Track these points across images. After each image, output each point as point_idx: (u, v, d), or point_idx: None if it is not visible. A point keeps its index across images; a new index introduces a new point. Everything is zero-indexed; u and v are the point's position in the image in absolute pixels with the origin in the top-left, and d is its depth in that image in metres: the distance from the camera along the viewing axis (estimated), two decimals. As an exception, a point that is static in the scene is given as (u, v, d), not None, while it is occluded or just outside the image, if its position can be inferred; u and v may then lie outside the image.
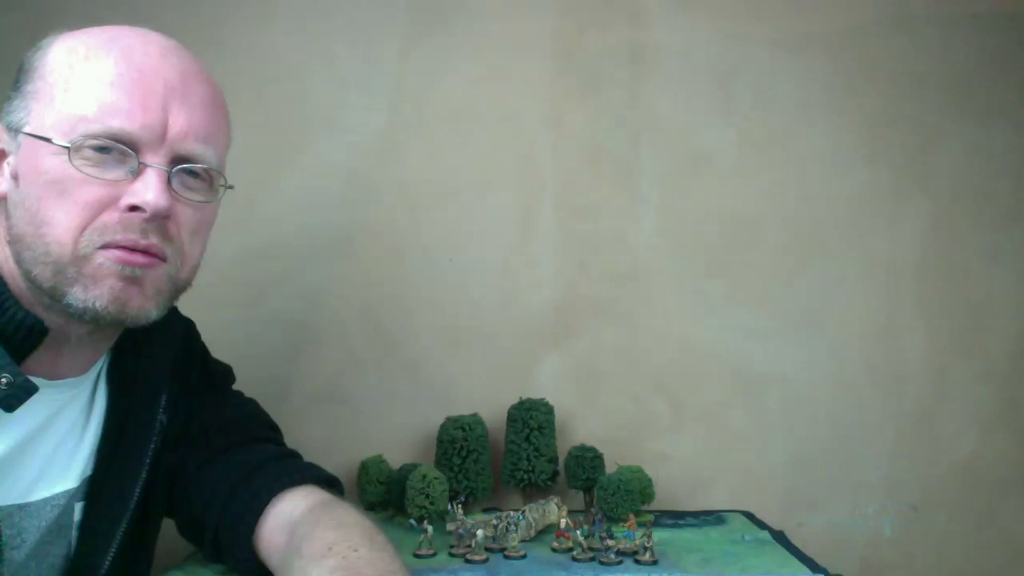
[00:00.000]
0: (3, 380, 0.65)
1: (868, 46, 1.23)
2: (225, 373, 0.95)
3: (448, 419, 1.13)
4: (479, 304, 1.23)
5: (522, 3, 1.24)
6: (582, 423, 1.21)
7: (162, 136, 0.68)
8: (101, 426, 0.78)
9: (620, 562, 0.88)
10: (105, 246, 0.66)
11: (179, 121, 0.69)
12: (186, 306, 0.89)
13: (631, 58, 1.24)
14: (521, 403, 1.14)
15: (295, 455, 0.90)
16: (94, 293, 0.66)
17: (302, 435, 1.04)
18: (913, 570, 1.21)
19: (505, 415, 1.15)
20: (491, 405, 1.17)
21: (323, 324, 1.23)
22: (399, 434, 1.21)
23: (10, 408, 0.66)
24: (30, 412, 0.69)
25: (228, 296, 1.21)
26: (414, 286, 1.23)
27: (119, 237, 0.66)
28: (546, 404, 1.14)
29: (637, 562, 0.88)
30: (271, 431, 0.93)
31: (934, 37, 1.23)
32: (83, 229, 0.66)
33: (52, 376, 0.72)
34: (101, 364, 0.79)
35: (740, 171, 1.23)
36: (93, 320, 0.68)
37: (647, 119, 1.24)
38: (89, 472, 0.77)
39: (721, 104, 1.24)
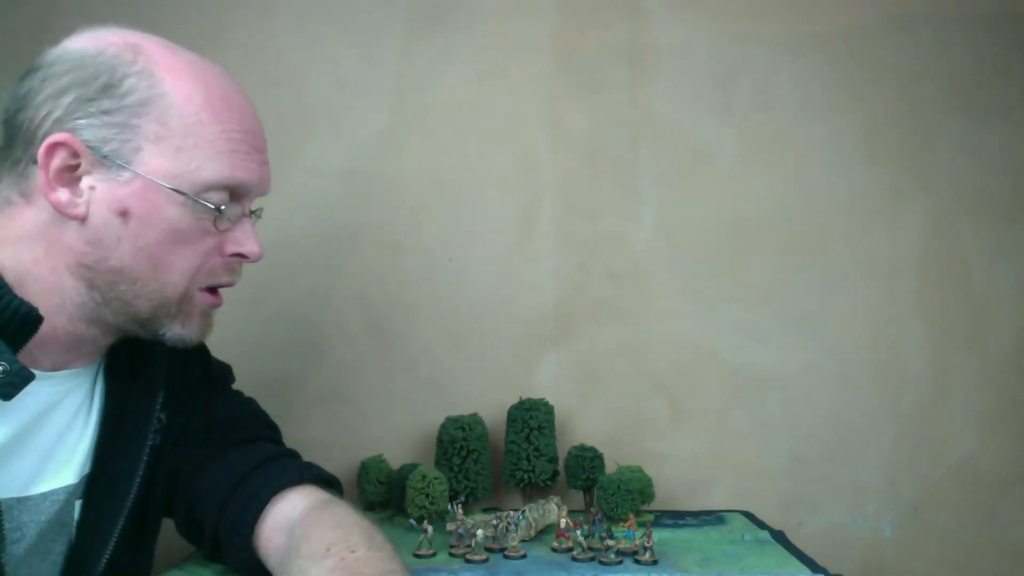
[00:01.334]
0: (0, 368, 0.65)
1: (868, 46, 1.23)
2: (225, 372, 0.95)
3: (448, 419, 1.13)
4: (479, 304, 1.23)
5: (522, 3, 1.24)
6: (582, 423, 1.21)
7: (260, 190, 0.77)
8: (99, 422, 0.78)
9: (620, 562, 0.88)
10: (206, 287, 0.75)
11: (266, 173, 0.77)
12: (186, 306, 0.89)
13: (631, 58, 1.24)
14: (521, 403, 1.14)
15: (294, 454, 0.89)
16: (189, 329, 0.75)
17: (302, 435, 1.04)
18: (913, 570, 1.21)
19: (505, 415, 1.15)
20: (491, 405, 1.17)
21: (323, 324, 1.23)
22: (399, 434, 1.21)
23: (7, 396, 0.66)
24: (27, 403, 0.69)
25: (228, 295, 1.20)
26: (414, 286, 1.23)
27: (225, 279, 0.77)
28: (546, 404, 1.14)
29: (637, 562, 0.88)
30: (270, 430, 0.92)
31: (933, 37, 1.23)
32: (196, 273, 0.74)
33: (50, 368, 0.72)
34: (100, 359, 0.79)
35: (740, 171, 1.23)
36: (180, 344, 0.76)
37: (647, 119, 1.24)
38: (88, 470, 0.77)
39: (721, 104, 1.24)
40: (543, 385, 1.21)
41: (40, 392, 0.70)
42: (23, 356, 0.67)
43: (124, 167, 0.68)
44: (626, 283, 1.23)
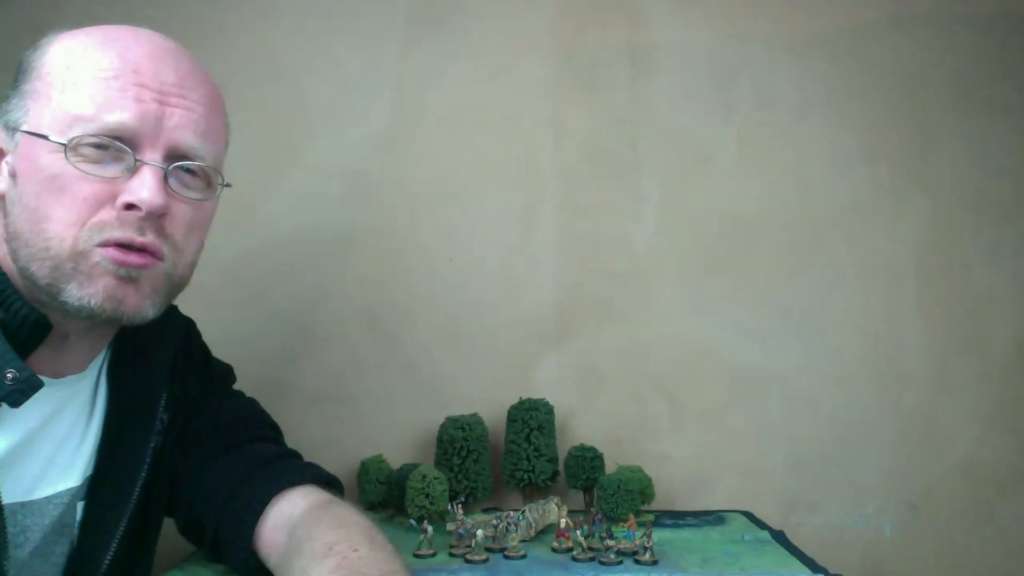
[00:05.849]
0: (8, 375, 0.65)
1: (868, 46, 1.23)
2: (226, 373, 0.95)
3: (448, 419, 1.14)
4: (479, 304, 1.23)
5: (521, 3, 1.24)
6: (582, 423, 1.21)
7: (158, 132, 0.68)
8: (102, 425, 0.78)
9: (620, 562, 0.88)
10: (103, 243, 0.67)
11: (175, 118, 0.69)
12: (186, 306, 0.89)
13: (631, 58, 1.24)
14: (521, 403, 1.14)
15: (295, 455, 0.90)
16: (89, 291, 0.67)
17: (302, 435, 1.04)
18: (913, 570, 1.21)
19: (505, 415, 1.15)
20: (491, 405, 1.17)
21: (323, 324, 1.23)
22: (399, 434, 1.21)
23: (16, 403, 0.66)
24: (32, 409, 0.69)
25: (228, 296, 1.21)
26: (414, 286, 1.23)
27: (117, 234, 0.67)
28: (546, 404, 1.14)
29: (637, 562, 0.88)
30: (271, 431, 0.93)
31: (934, 37, 1.23)
32: (82, 225, 0.66)
33: (53, 374, 0.72)
34: (102, 361, 0.80)
35: (740, 171, 1.23)
36: (89, 317, 0.68)
37: (647, 119, 1.24)
38: (91, 471, 0.77)
39: (721, 104, 1.24)
40: (543, 385, 1.21)
41: (43, 399, 0.69)
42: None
43: (16, 130, 0.69)
44: (626, 283, 1.23)
